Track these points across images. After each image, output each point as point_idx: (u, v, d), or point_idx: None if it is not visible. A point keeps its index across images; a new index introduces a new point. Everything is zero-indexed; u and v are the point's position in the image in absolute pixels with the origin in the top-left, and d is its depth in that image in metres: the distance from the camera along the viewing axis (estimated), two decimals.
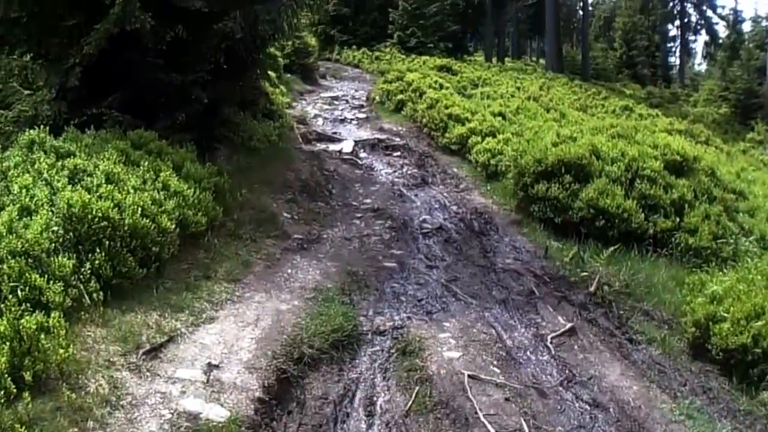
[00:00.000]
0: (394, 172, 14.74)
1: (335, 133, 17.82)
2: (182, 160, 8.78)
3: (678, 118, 29.81)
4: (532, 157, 11.49)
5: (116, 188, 6.88)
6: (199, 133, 10.91)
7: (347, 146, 16.00)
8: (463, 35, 45.66)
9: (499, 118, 17.22)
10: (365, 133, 18.07)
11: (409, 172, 14.79)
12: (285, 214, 9.80)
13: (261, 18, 11.09)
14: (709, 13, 64.46)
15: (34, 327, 4.67)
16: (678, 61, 74.23)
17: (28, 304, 4.99)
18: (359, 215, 10.95)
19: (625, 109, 26.89)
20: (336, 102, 23.62)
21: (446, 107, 17.93)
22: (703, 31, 65.75)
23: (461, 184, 14.18)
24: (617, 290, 8.48)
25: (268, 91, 15.89)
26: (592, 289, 8.49)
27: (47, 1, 10.09)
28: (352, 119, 20.47)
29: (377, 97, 22.99)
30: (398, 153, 16.31)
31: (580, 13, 67.92)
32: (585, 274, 8.98)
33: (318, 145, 16.01)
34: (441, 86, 22.08)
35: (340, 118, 20.54)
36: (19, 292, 5.09)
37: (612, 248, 9.46)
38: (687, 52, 70.91)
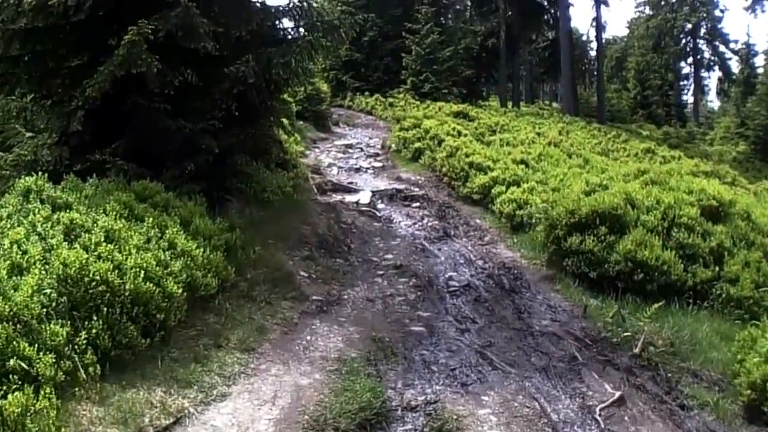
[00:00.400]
0: (414, 224, 14.09)
1: (351, 183, 17.22)
2: (190, 215, 8.18)
3: (700, 158, 29.22)
4: (564, 208, 10.86)
5: (117, 247, 6.28)
6: (209, 184, 10.37)
7: (364, 197, 15.38)
8: (477, 80, 45.40)
9: (522, 166, 16.59)
10: (382, 183, 17.47)
11: (429, 224, 14.13)
12: (302, 273, 9.11)
13: (275, 61, 10.50)
14: (722, 48, 64.23)
15: (19, 410, 4.12)
16: (692, 99, 73.82)
17: (16, 377, 4.52)
18: (381, 272, 10.25)
19: (647, 151, 26.23)
20: (350, 150, 23.08)
21: (467, 155, 17.32)
22: (716, 68, 65.37)
23: (485, 236, 13.51)
24: (662, 350, 7.87)
25: (282, 140, 15.31)
26: (636, 350, 7.86)
27: (50, 39, 9.62)
28: (367, 168, 19.89)
29: (393, 145, 22.43)
30: (417, 204, 15.68)
31: (592, 53, 67.77)
32: (627, 334, 8.31)
33: (334, 196, 15.39)
34: (459, 133, 21.51)
35: (355, 167, 19.96)
36: (6, 364, 4.53)
37: (656, 305, 8.73)
38: (701, 90, 70.43)
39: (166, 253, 6.73)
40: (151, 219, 7.33)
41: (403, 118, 24.01)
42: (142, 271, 6.06)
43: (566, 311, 9.19)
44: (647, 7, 70.90)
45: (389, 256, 11.26)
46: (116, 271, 5.84)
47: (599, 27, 49.26)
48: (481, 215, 15.09)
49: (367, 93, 39.20)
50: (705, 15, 62.00)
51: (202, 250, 7.17)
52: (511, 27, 47.68)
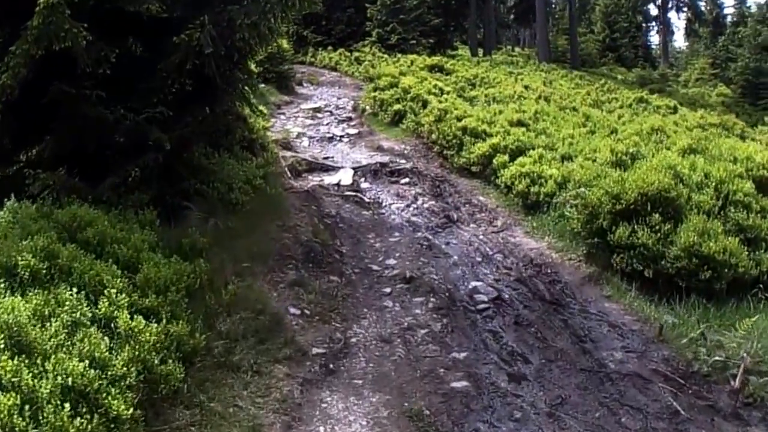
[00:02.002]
0: (408, 206, 11.93)
1: (327, 158, 14.91)
2: (136, 253, 5.88)
3: (689, 105, 27.41)
4: (604, 191, 8.80)
5: (26, 360, 3.91)
6: (162, 190, 8.15)
7: (345, 177, 13.13)
8: (445, 29, 42.78)
9: (522, 129, 14.41)
10: (362, 155, 15.18)
11: (426, 205, 12.00)
12: (291, 310, 6.82)
13: (238, 23, 8.13)
14: None
15: None
16: (659, 41, 71.98)
17: None
18: (387, 290, 8.02)
19: (640, 101, 24.22)
20: (319, 115, 20.61)
21: (458, 119, 15.14)
22: (685, 8, 63.34)
23: (496, 219, 11.43)
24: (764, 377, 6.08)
25: (247, 115, 12.98)
26: (735, 383, 6.12)
27: None
28: (342, 136, 17.53)
29: (368, 107, 20.03)
30: (407, 179, 13.48)
31: None
32: (718, 359, 6.51)
33: (310, 178, 13.12)
34: (442, 91, 19.30)
35: (327, 135, 17.57)
36: None
37: (750, 320, 6.80)
38: (671, 32, 68.79)
39: (104, 341, 4.42)
40: (80, 276, 5.07)
41: (378, 76, 21.50)
42: (67, 394, 3.80)
43: (635, 332, 7.20)
44: None
45: (391, 260, 9.07)
46: (26, 408, 3.58)
47: None
48: (482, 190, 13.02)
49: (330, 48, 36.52)
50: None
51: (155, 325, 4.84)
52: None
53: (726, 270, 7.80)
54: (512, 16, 61.00)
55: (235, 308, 6.27)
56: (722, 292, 7.87)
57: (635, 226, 8.35)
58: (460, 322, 7.26)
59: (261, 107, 16.12)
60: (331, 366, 5.97)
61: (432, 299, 7.71)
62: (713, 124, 19.17)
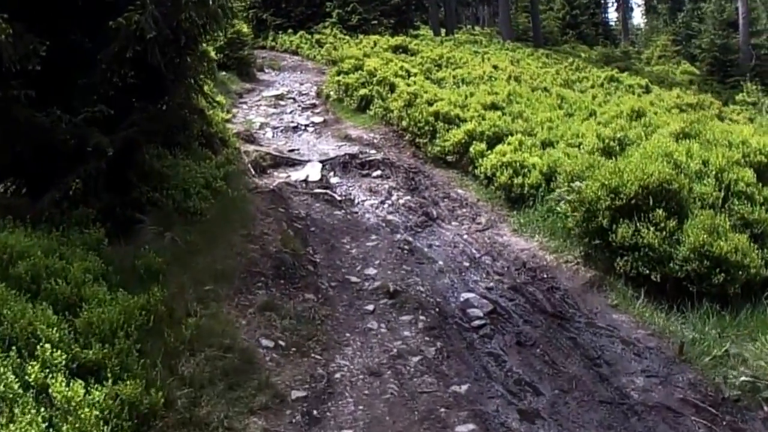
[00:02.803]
0: (383, 203, 11.06)
1: (292, 150, 13.95)
2: (78, 289, 4.95)
3: (658, 83, 26.85)
4: (600, 184, 8.01)
5: None
6: (110, 201, 7.22)
7: (313, 171, 12.21)
8: (407, 8, 41.70)
9: (497, 113, 13.57)
10: (329, 146, 14.24)
11: (401, 201, 11.14)
12: (264, 342, 5.87)
13: (184, 1, 7.17)
14: None
15: None
16: (618, 18, 71.58)
17: None
18: (370, 307, 7.13)
19: (611, 80, 23.55)
20: (282, 102, 19.57)
21: (429, 103, 14.27)
22: None
23: (479, 215, 10.62)
24: None
25: (204, 106, 11.98)
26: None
27: None
28: (306, 125, 16.54)
29: (332, 93, 19.00)
30: (379, 172, 12.58)
31: None
32: (747, 379, 5.77)
33: (276, 174, 12.17)
34: (408, 73, 18.37)
35: (292, 125, 16.56)
36: None
37: None
38: (631, 8, 68.38)
39: (39, 418, 3.47)
40: (10, 325, 4.14)
41: (341, 59, 20.43)
42: None
43: (652, 350, 6.39)
44: None
45: (371, 270, 8.19)
46: None
47: None
48: (460, 182, 12.20)
49: (290, 31, 35.27)
50: None
51: (98, 391, 3.88)
52: None
53: (740, 272, 7.06)
54: None
55: (199, 345, 5.36)
56: (736, 296, 7.13)
57: (638, 224, 7.56)
58: (455, 344, 6.41)
59: (221, 97, 15.13)
60: (315, 413, 5.06)
61: (421, 317, 6.86)
62: (690, 104, 18.55)
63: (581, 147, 11.16)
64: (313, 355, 5.92)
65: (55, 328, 4.27)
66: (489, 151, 11.84)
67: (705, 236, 7.17)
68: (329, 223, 9.94)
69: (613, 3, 69.68)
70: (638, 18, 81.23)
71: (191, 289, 6.24)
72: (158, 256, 6.53)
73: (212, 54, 20.20)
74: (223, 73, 21.50)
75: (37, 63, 6.22)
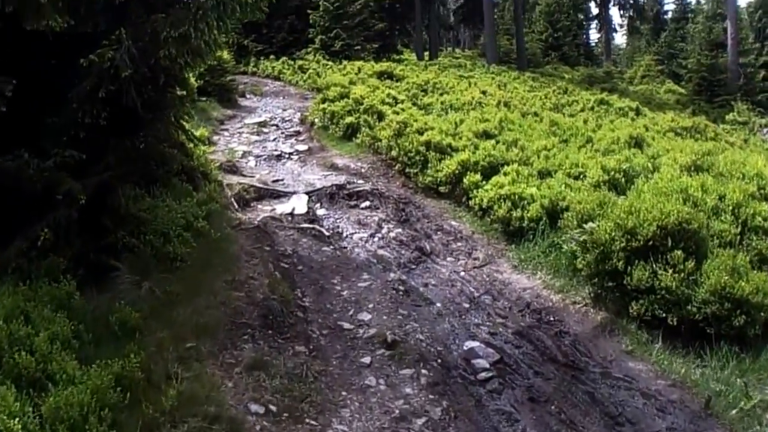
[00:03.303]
0: (373, 237, 10.48)
1: (277, 180, 13.35)
2: (44, 363, 4.33)
3: (644, 103, 26.42)
4: (614, 224, 7.50)
5: None
6: (82, 248, 6.57)
7: (299, 204, 11.60)
8: (390, 33, 41.38)
9: (491, 142, 13.05)
10: (315, 176, 13.64)
11: (392, 234, 10.57)
12: (253, 408, 5.21)
13: (163, 36, 6.57)
14: None
15: None
16: (601, 38, 71.50)
17: None
18: (366, 359, 6.50)
19: (601, 103, 23.09)
20: (265, 129, 19.00)
21: (419, 132, 13.72)
22: (627, 5, 62.73)
23: (476, 249, 10.05)
24: None
25: (185, 140, 11.39)
26: None
27: None
28: (291, 153, 15.96)
29: (317, 120, 18.41)
30: (367, 203, 11.99)
31: None
32: None
33: (260, 207, 11.55)
34: (395, 100, 17.84)
35: (275, 153, 15.99)
36: None
37: None
38: (613, 29, 68.21)
39: None
40: None
41: (326, 86, 19.85)
42: None
43: (675, 404, 5.88)
44: None
45: (365, 315, 7.58)
46: None
47: None
48: (453, 214, 11.64)
49: (272, 57, 34.83)
50: None
51: None
52: None
53: (761, 313, 6.66)
54: (459, 18, 59.64)
55: (181, 414, 4.73)
56: (756, 337, 6.73)
57: (654, 266, 7.08)
58: (462, 402, 5.82)
59: (202, 129, 14.51)
60: None
61: (423, 371, 6.26)
62: (685, 127, 18.06)
63: (583, 178, 10.69)
64: (307, 420, 5.29)
65: (17, 419, 3.63)
66: (484, 182, 11.34)
67: (726, 277, 6.75)
68: (318, 261, 9.33)
69: (595, 24, 69.42)
70: (619, 38, 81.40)
71: (171, 347, 5.62)
72: (134, 310, 5.94)
73: (192, 81, 19.69)
74: (204, 99, 20.93)
75: (3, 103, 5.64)
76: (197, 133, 13.07)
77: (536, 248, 9.48)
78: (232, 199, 11.40)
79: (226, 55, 25.57)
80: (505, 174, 11.37)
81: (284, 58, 33.39)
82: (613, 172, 10.49)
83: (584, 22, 67.62)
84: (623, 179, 10.34)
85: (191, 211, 8.84)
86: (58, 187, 6.08)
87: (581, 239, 7.79)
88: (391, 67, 26.07)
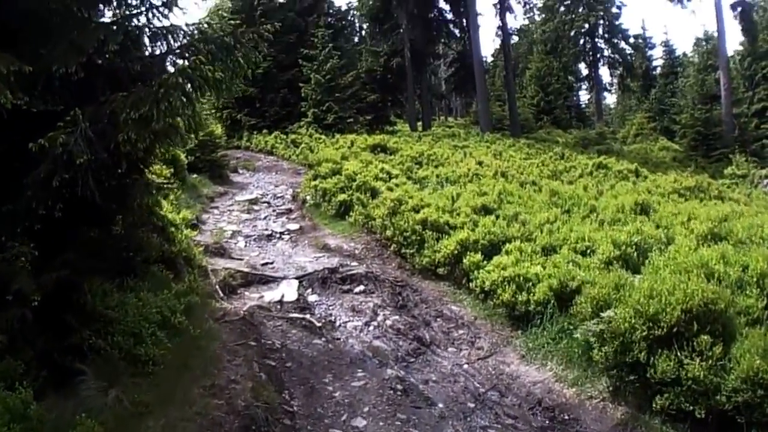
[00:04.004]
0: (368, 325, 9.75)
1: (266, 264, 12.65)
2: None
3: (641, 163, 25.89)
4: (634, 311, 6.81)
5: None
6: (44, 349, 5.90)
7: (289, 291, 10.91)
8: (383, 104, 41.23)
9: (491, 218, 12.41)
10: (306, 258, 12.97)
11: (389, 322, 9.84)
12: None
13: (123, 117, 5.94)
14: (623, 44, 62.06)
15: None
16: (592, 99, 71.82)
17: None
18: None
19: (599, 167, 22.56)
20: (256, 207, 18.43)
21: (415, 210, 13.09)
22: (618, 64, 62.86)
23: (479, 338, 9.34)
24: None
25: (164, 222, 10.74)
26: None
27: None
28: (282, 233, 15.33)
29: (309, 198, 17.83)
30: (362, 287, 11.29)
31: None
32: None
33: (248, 294, 10.84)
34: (389, 175, 17.28)
35: (266, 233, 15.35)
36: None
37: None
38: (604, 89, 68.36)
39: None
40: None
41: (318, 162, 19.28)
42: None
43: None
44: (536, 13, 68.72)
45: (359, 421, 6.82)
46: None
47: (506, 35, 45.67)
48: (453, 297, 10.94)
49: (265, 131, 34.65)
50: (602, 13, 59.72)
51: None
52: (416, 43, 43.60)
53: None
54: (451, 86, 59.72)
55: None
56: None
57: (678, 354, 6.40)
58: None
59: (190, 207, 13.84)
60: None
61: None
62: (689, 187, 17.50)
63: (591, 254, 10.09)
64: None
65: None
66: (485, 262, 10.69)
67: (758, 362, 6.07)
68: (308, 356, 8.58)
69: (586, 85, 69.57)
70: (610, 98, 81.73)
71: None
72: (98, 422, 5.19)
73: (183, 157, 19.18)
74: (195, 175, 20.49)
75: None
76: (181, 215, 12.44)
77: (545, 335, 8.74)
78: (217, 287, 10.70)
79: (218, 130, 25.28)
80: (507, 253, 10.73)
81: (277, 132, 33.18)
82: (624, 246, 9.83)
83: (574, 84, 67.72)
84: (635, 254, 9.68)
85: (168, 305, 8.13)
86: (8, 284, 5.39)
87: (598, 329, 7.06)
88: (385, 139, 25.71)
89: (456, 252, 11.25)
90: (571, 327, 8.32)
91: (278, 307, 10.33)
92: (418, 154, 22.82)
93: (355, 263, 12.42)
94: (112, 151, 6.12)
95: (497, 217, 12.66)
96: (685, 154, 37.75)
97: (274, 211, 17.87)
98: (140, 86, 6.34)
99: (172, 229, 10.89)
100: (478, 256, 10.83)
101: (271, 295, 10.81)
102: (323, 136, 29.68)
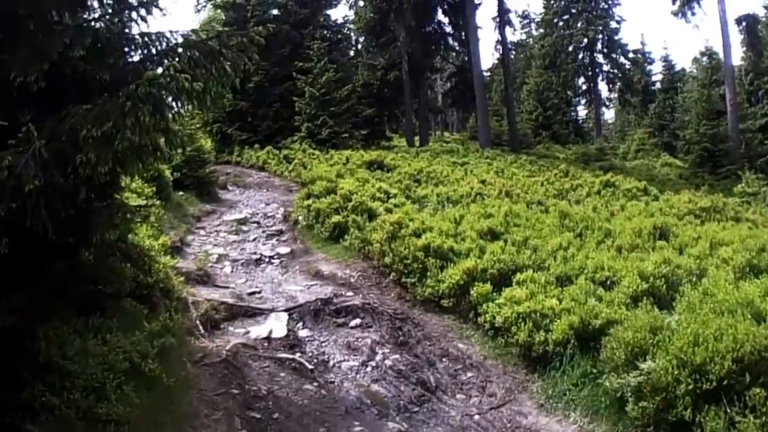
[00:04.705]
0: (365, 366, 8.75)
1: (254, 293, 11.60)
2: None
3: (647, 180, 24.97)
4: (676, 360, 5.79)
5: None
6: None
7: (278, 325, 9.88)
8: (379, 119, 40.24)
9: (499, 244, 11.41)
10: (297, 286, 11.94)
11: (388, 362, 8.84)
12: None
13: (83, 134, 4.90)
14: (622, 59, 61.40)
15: None
16: (590, 114, 71.00)
17: None
18: None
19: (607, 185, 21.59)
20: (245, 228, 17.36)
21: (416, 234, 12.04)
22: (617, 79, 62.15)
23: (490, 381, 8.36)
24: None
25: (139, 250, 9.67)
26: None
27: None
28: (272, 257, 14.26)
29: (301, 218, 16.75)
30: (358, 320, 10.29)
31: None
32: None
33: (232, 330, 9.78)
34: (387, 195, 16.24)
35: (254, 257, 14.24)
36: None
37: None
38: (603, 104, 67.60)
39: None
40: None
41: (311, 181, 18.15)
42: None
43: None
44: (534, 27, 68.14)
45: None
46: None
47: (505, 49, 44.70)
48: (460, 332, 9.96)
49: (257, 145, 33.62)
50: (601, 28, 59.03)
51: None
52: (414, 57, 42.71)
53: None
54: (449, 101, 58.73)
55: None
56: None
57: (728, 409, 5.49)
58: None
59: (165, 237, 12.78)
60: None
61: None
62: (704, 208, 16.51)
63: (612, 285, 9.12)
64: None
65: None
66: (495, 293, 9.72)
67: None
68: (298, 404, 7.55)
69: (584, 100, 68.77)
70: (608, 113, 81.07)
71: None
72: None
73: (167, 173, 18.16)
74: (181, 193, 19.45)
75: None
76: (160, 241, 11.33)
77: (566, 379, 7.74)
78: (198, 322, 9.62)
79: (208, 144, 24.25)
80: (519, 283, 9.75)
81: (269, 148, 32.17)
82: (651, 279, 8.82)
83: (573, 99, 66.92)
84: (664, 287, 8.67)
85: (139, 349, 7.03)
86: None
87: (635, 383, 6.04)
88: (382, 155, 24.63)
89: (462, 282, 10.24)
90: (595, 371, 7.36)
91: (265, 344, 9.30)
92: (416, 171, 21.83)
93: (350, 293, 11.41)
94: (70, 175, 5.11)
95: (505, 242, 11.67)
96: (691, 170, 36.75)
97: (264, 232, 16.81)
98: (106, 98, 5.33)
99: (149, 256, 9.82)
100: (487, 287, 9.83)
101: (257, 330, 9.77)
102: (317, 152, 28.64)
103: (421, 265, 11.23)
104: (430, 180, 20.43)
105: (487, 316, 9.37)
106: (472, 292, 9.91)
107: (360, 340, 9.61)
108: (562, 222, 13.70)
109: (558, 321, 8.36)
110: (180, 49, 6.14)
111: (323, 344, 9.50)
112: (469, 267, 10.36)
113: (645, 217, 14.26)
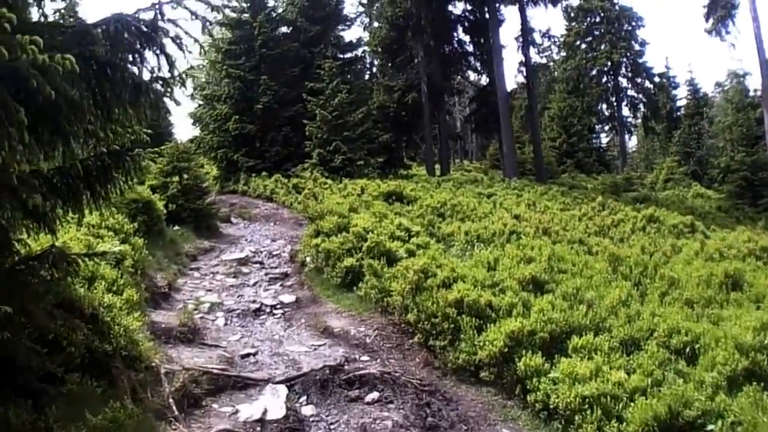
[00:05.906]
0: None
1: (248, 355, 9.52)
2: None
3: (685, 213, 22.98)
4: None
5: None
6: None
7: (274, 403, 7.80)
8: (397, 145, 38.18)
9: (548, 298, 9.39)
10: (301, 347, 9.85)
11: None
12: None
13: None
14: (647, 83, 59.42)
15: None
16: (612, 141, 68.97)
17: None
18: None
19: (651, 220, 19.52)
20: (245, 269, 15.29)
21: (445, 285, 9.94)
22: (641, 105, 60.24)
23: None
24: None
25: (96, 309, 7.63)
26: None
27: None
28: (274, 306, 12.17)
29: (309, 259, 14.53)
30: (376, 395, 8.27)
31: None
32: None
33: (216, 410, 7.67)
34: (409, 233, 14.11)
35: (253, 306, 12.11)
36: None
37: None
38: (627, 130, 65.62)
39: None
40: None
41: (320, 215, 15.82)
42: None
43: None
44: (555, 50, 66.35)
45: None
46: None
47: (530, 71, 42.37)
48: (503, 413, 7.93)
49: (264, 173, 31.67)
50: (625, 51, 57.12)
51: None
52: (433, 78, 40.65)
53: None
54: (470, 126, 56.45)
55: None
56: None
57: None
58: None
59: (157, 275, 10.76)
60: None
61: None
62: (765, 247, 14.51)
63: (694, 355, 7.48)
64: None
65: None
66: (547, 364, 7.66)
67: None
68: None
69: (608, 126, 66.76)
70: (633, 140, 79.18)
71: None
72: None
73: (160, 206, 16.22)
74: (176, 228, 17.50)
75: None
76: (125, 295, 9.08)
77: None
78: (171, 400, 7.53)
79: (213, 170, 22.34)
80: (576, 350, 7.77)
81: (278, 175, 30.23)
82: (753, 353, 6.76)
83: (596, 125, 64.88)
84: (766, 361, 6.64)
85: None
86: None
87: None
88: (401, 186, 22.42)
89: (506, 349, 8.16)
90: None
91: (258, 430, 7.23)
92: (439, 203, 19.69)
93: (366, 357, 9.35)
94: None
95: (553, 294, 9.62)
96: (729, 202, 34.37)
97: (266, 274, 14.73)
98: None
99: (109, 317, 7.77)
100: (538, 360, 7.83)
101: (248, 410, 7.67)
102: (329, 181, 26.65)
103: (452, 325, 9.16)
104: (455, 214, 18.34)
105: (538, 394, 7.46)
106: (519, 364, 7.86)
107: (378, 421, 7.60)
108: (615, 267, 11.63)
109: (632, 406, 6.37)
110: None
111: (332, 427, 7.47)
112: (514, 330, 8.34)
113: (704, 260, 12.27)
